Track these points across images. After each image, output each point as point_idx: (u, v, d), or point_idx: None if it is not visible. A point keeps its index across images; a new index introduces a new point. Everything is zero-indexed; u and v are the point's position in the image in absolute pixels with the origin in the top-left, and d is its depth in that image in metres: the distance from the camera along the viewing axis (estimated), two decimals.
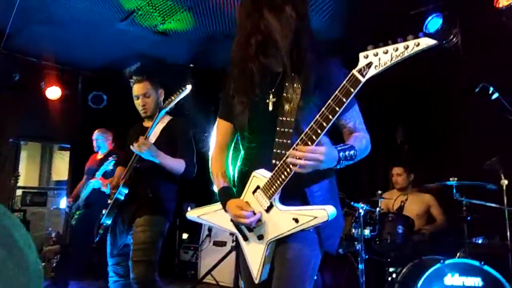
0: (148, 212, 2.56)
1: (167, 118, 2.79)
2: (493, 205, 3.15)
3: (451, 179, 3.35)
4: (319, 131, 1.33)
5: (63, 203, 7.78)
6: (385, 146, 4.69)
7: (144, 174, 2.62)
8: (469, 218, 3.29)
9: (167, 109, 2.57)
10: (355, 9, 3.94)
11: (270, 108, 1.55)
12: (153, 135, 2.69)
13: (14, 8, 3.88)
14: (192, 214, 1.79)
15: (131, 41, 4.87)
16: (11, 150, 5.83)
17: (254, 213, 1.50)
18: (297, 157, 1.33)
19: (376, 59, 1.24)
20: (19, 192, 6.27)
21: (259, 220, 1.50)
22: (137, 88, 2.74)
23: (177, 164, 2.59)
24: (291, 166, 1.37)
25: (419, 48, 1.19)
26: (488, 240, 3.35)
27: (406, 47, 1.20)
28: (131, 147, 2.50)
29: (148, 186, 2.61)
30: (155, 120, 2.60)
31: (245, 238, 1.59)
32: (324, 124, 1.32)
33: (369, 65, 1.25)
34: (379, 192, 3.75)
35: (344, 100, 1.29)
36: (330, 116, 1.31)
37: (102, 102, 5.88)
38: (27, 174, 8.08)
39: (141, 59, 5.36)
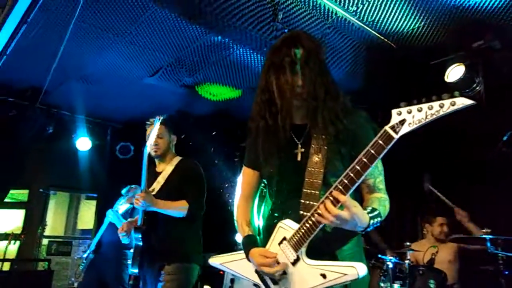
0: (176, 259, 2.52)
1: (176, 159, 2.84)
2: None
3: (483, 230, 3.21)
4: (350, 185, 1.31)
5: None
6: (412, 196, 4.58)
7: (157, 215, 2.60)
8: (506, 272, 3.11)
9: (147, 145, 2.67)
10: (375, 60, 4.03)
11: (299, 158, 1.56)
12: (162, 178, 2.74)
13: (52, 67, 4.16)
14: (215, 261, 1.77)
15: (158, 94, 5.09)
16: (40, 200, 5.98)
17: (278, 263, 1.46)
18: (326, 216, 1.31)
19: (410, 116, 1.23)
20: (45, 241, 6.35)
21: (284, 273, 1.47)
22: (152, 130, 2.80)
23: (177, 208, 2.57)
24: (319, 218, 1.35)
25: (455, 107, 1.17)
26: None
27: (442, 106, 1.18)
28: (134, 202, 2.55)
29: (165, 227, 2.59)
30: (143, 162, 2.64)
31: None
32: (355, 179, 1.30)
33: (402, 122, 1.24)
34: (408, 243, 3.61)
35: (376, 155, 1.27)
36: (362, 171, 1.29)
37: (129, 152, 6.04)
38: (53, 223, 8.20)
39: (168, 111, 5.56)
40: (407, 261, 3.46)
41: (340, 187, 1.32)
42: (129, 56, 4.17)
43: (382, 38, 3.68)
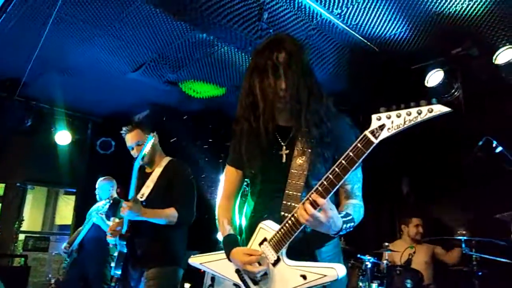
0: (157, 263, 2.44)
1: (166, 160, 2.72)
2: (505, 260, 3.07)
3: (459, 232, 3.30)
4: (330, 188, 1.33)
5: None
6: (390, 198, 4.66)
7: (143, 222, 2.50)
8: (479, 273, 3.20)
9: (138, 159, 2.53)
10: (358, 63, 4.08)
11: (283, 160, 1.58)
12: (151, 181, 2.62)
13: (32, 58, 4.07)
14: (195, 260, 1.76)
15: (141, 90, 5.03)
16: (17, 194, 5.85)
17: (260, 264, 1.47)
18: (303, 215, 1.33)
19: (389, 122, 1.25)
20: (21, 236, 6.21)
21: (265, 274, 1.48)
22: (129, 138, 2.72)
23: (166, 217, 2.46)
24: (300, 219, 1.36)
25: (432, 114, 1.19)
26: None
27: (419, 112, 1.20)
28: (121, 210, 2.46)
29: (149, 233, 2.50)
30: (133, 174, 2.54)
31: None
32: (335, 182, 1.32)
33: (382, 127, 1.26)
34: (386, 244, 3.68)
35: (356, 159, 1.29)
36: (342, 175, 1.31)
37: (110, 148, 5.96)
38: (30, 218, 8.04)
39: (150, 106, 5.51)
40: (385, 261, 3.53)
41: (321, 189, 1.34)
42: (112, 50, 4.11)
43: (365, 41, 3.73)
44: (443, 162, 4.28)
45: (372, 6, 3.24)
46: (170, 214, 2.47)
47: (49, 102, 5.54)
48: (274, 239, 1.46)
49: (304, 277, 1.38)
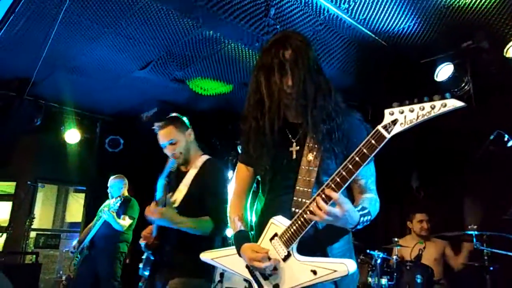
0: (183, 273, 2.23)
1: (201, 160, 2.47)
2: None
3: (469, 227, 3.27)
4: (341, 183, 1.33)
5: None
6: (400, 193, 4.64)
7: (172, 229, 2.30)
8: (491, 268, 3.17)
9: (169, 166, 2.37)
10: (366, 58, 4.05)
11: (294, 156, 1.58)
12: (184, 185, 2.40)
13: (41, 58, 4.10)
14: (206, 256, 1.78)
15: (149, 88, 5.05)
16: (28, 192, 5.92)
17: (269, 259, 1.48)
18: (318, 213, 1.33)
19: (402, 117, 1.25)
20: (33, 234, 6.29)
21: (275, 269, 1.48)
22: (161, 136, 2.47)
23: (200, 227, 2.25)
24: (310, 216, 1.37)
25: (446, 109, 1.18)
26: None
27: (433, 107, 1.20)
28: (146, 211, 2.28)
29: (178, 241, 2.30)
30: (162, 176, 2.36)
31: (260, 286, 1.56)
32: (347, 177, 1.33)
33: (394, 122, 1.26)
34: (395, 239, 3.66)
35: (368, 154, 1.29)
36: (353, 170, 1.32)
37: (119, 146, 6.00)
38: (41, 216, 8.13)
39: (158, 104, 5.53)
40: (394, 257, 3.51)
41: (332, 185, 1.34)
42: (120, 49, 4.12)
43: (374, 36, 3.69)
44: (454, 157, 4.25)
45: (380, 1, 3.21)
46: (205, 226, 2.26)
47: (58, 101, 5.58)
48: (285, 234, 1.47)
49: (314, 272, 1.39)
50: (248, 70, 4.40)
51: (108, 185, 4.72)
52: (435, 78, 3.83)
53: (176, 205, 2.34)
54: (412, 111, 1.23)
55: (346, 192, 1.48)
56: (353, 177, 1.32)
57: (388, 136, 1.26)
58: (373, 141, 1.28)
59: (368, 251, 3.58)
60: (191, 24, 3.64)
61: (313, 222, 1.38)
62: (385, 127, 1.27)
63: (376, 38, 3.72)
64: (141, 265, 2.44)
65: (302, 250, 1.46)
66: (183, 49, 4.09)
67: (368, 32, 3.64)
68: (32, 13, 3.45)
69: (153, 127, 2.51)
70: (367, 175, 1.56)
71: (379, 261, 3.42)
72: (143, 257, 2.44)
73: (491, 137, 2.93)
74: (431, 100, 1.21)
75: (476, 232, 3.17)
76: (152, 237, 2.38)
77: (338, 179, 1.34)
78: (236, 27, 3.59)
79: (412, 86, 4.01)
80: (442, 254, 3.92)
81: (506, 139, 2.87)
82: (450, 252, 3.92)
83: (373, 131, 1.29)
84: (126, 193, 4.74)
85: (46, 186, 7.24)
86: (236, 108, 5.17)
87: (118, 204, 4.32)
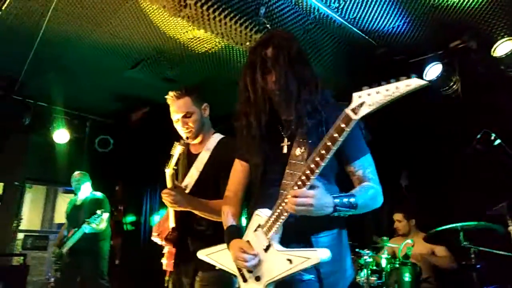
0: (209, 265, 1.88)
1: (214, 140, 2.29)
2: (502, 252, 3.08)
3: (457, 224, 3.30)
4: (315, 169, 1.35)
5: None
6: (389, 192, 4.67)
7: (192, 215, 2.14)
8: (478, 266, 3.21)
9: (168, 170, 2.12)
10: (356, 56, 4.07)
11: (284, 151, 1.62)
12: (196, 169, 2.21)
13: (29, 57, 4.06)
14: (202, 253, 1.80)
15: (139, 87, 5.02)
16: (15, 193, 5.84)
17: (255, 256, 1.51)
18: (290, 200, 1.37)
19: (369, 99, 1.28)
20: (20, 235, 6.21)
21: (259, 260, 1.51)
22: (176, 108, 2.25)
23: (216, 209, 2.02)
24: (284, 206, 1.41)
25: (410, 88, 1.22)
26: None
27: (397, 88, 1.24)
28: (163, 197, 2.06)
29: (197, 230, 2.15)
30: (172, 161, 2.10)
31: (244, 280, 1.58)
32: (320, 162, 1.35)
33: (362, 104, 1.29)
34: (385, 238, 3.69)
35: (338, 137, 1.31)
36: (325, 154, 1.34)
37: (108, 145, 5.95)
38: (29, 217, 8.03)
39: (149, 104, 5.49)
40: (383, 255, 3.54)
41: (307, 171, 1.37)
42: (110, 48, 4.09)
43: (363, 35, 3.72)
44: (443, 155, 4.29)
45: (370, 0, 3.23)
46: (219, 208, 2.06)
47: (46, 101, 5.51)
48: (266, 225, 1.50)
49: (290, 261, 1.40)
50: (239, 69, 4.39)
51: (74, 180, 4.66)
52: (424, 77, 3.86)
53: (187, 191, 2.18)
54: (378, 92, 1.26)
55: (332, 183, 1.53)
56: (326, 161, 1.34)
57: (355, 118, 1.29)
58: (342, 125, 1.31)
59: (357, 249, 3.61)
60: (181, 23, 3.63)
61: (288, 213, 1.41)
62: (353, 110, 1.30)
63: (366, 37, 3.75)
64: (164, 260, 2.29)
65: (287, 241, 1.47)
66: (174, 48, 4.08)
67: (358, 32, 3.67)
68: (20, 11, 3.41)
69: (167, 97, 2.31)
70: (364, 165, 1.57)
71: (368, 259, 3.44)
72: (164, 251, 2.30)
73: (478, 136, 2.97)
74: (397, 81, 1.25)
75: (461, 224, 3.20)
76: (168, 229, 2.23)
77: (312, 165, 1.36)
78: (227, 26, 3.59)
79: None
80: (430, 253, 3.94)
81: (492, 138, 2.91)
82: (440, 251, 3.93)
83: (342, 114, 1.32)
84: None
85: (34, 187, 7.17)
86: (227, 108, 5.16)
87: (98, 220, 4.25)
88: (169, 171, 2.08)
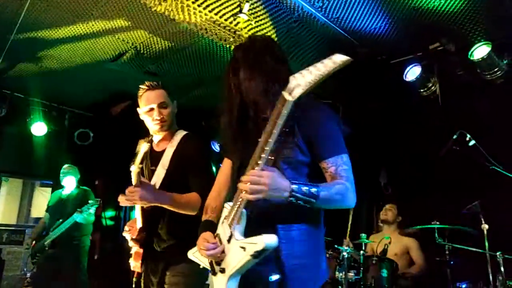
0: (184, 258, 1.80)
1: (178, 136, 2.26)
2: (475, 249, 3.19)
3: (432, 222, 3.40)
4: (263, 155, 1.38)
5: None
6: (368, 189, 4.75)
7: (157, 213, 2.11)
8: (452, 262, 3.31)
9: (133, 167, 2.01)
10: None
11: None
12: (162, 167, 2.18)
13: (6, 47, 3.95)
14: (190, 253, 1.77)
15: (120, 80, 4.95)
16: None
17: (219, 245, 1.52)
18: (244, 180, 1.39)
19: (302, 80, 1.32)
20: None
21: (223, 252, 1.51)
22: (152, 97, 2.22)
23: (187, 203, 2.03)
24: (241, 195, 1.42)
25: (335, 65, 1.28)
26: (472, 284, 3.36)
27: (325, 66, 1.29)
28: (119, 199, 2.02)
29: (165, 228, 2.13)
30: (138, 158, 2.01)
31: (214, 273, 1.57)
32: (266, 148, 1.37)
33: (296, 86, 1.33)
34: (363, 234, 3.76)
35: (278, 121, 1.35)
36: (270, 139, 1.36)
37: (88, 139, 5.86)
38: (5, 211, 7.84)
39: (130, 98, 5.42)
40: (361, 252, 3.61)
41: (257, 159, 1.40)
42: (90, 40, 4.02)
43: (346, 35, 3.76)
44: (420, 154, 4.39)
45: (353, 0, 3.27)
46: (192, 201, 2.03)
47: (24, 92, 5.38)
48: (229, 216, 1.52)
49: (244, 249, 1.41)
50: (222, 65, 4.39)
51: (62, 173, 4.59)
52: (404, 78, 3.94)
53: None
54: (310, 72, 1.31)
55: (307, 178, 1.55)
56: (270, 145, 1.36)
57: (290, 99, 1.33)
58: (281, 108, 1.35)
59: (336, 246, 3.67)
60: (164, 16, 3.59)
61: (244, 199, 1.42)
62: (289, 92, 1.33)
63: (349, 37, 3.79)
64: (131, 261, 2.24)
65: (253, 230, 1.44)
66: (156, 41, 4.03)
67: (341, 31, 3.71)
68: None
69: (140, 88, 2.28)
70: (336, 163, 1.54)
71: (346, 255, 3.50)
72: (132, 252, 2.26)
73: (454, 136, 3.05)
74: (324, 60, 1.31)
75: (436, 226, 3.29)
76: (137, 229, 2.19)
77: (261, 154, 1.38)
78: (210, 21, 3.58)
79: (383, 86, 4.11)
80: (405, 252, 4.04)
81: (467, 138, 3.00)
82: (416, 253, 4.00)
83: (279, 98, 1.36)
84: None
85: (10, 180, 7.00)
86: (209, 104, 5.15)
87: (93, 209, 4.22)
88: (134, 168, 1.99)
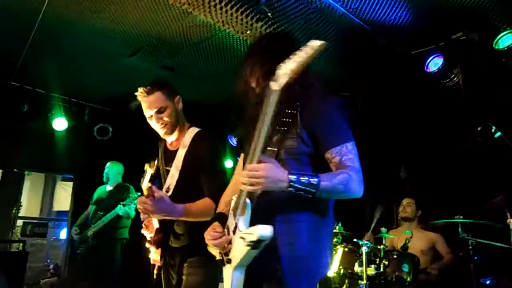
0: (200, 251, 1.82)
1: (189, 134, 2.20)
2: (500, 244, 3.10)
3: (456, 217, 3.32)
4: (263, 147, 1.41)
5: (63, 234, 7.73)
6: (388, 184, 4.68)
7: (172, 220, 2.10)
8: (476, 257, 3.23)
9: (144, 183, 2.02)
10: (357, 47, 4.03)
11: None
12: (175, 168, 2.14)
13: (27, 42, 4.01)
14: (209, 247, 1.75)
15: (138, 75, 4.97)
16: (14, 180, 5.84)
17: (226, 235, 1.54)
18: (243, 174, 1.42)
19: (286, 68, 1.39)
20: (19, 222, 6.23)
21: (230, 243, 1.52)
22: (148, 104, 2.17)
23: (200, 211, 2.00)
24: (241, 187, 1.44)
25: (313, 50, 1.36)
26: (496, 280, 3.28)
27: (305, 52, 1.37)
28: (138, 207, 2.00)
29: (186, 223, 2.11)
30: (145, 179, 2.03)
31: (223, 263, 1.58)
32: (261, 139, 1.40)
33: (282, 75, 1.39)
34: (383, 229, 3.70)
35: (269, 110, 1.40)
36: (263, 131, 1.40)
37: (107, 134, 5.93)
38: (28, 204, 8.05)
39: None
40: (382, 246, 3.55)
41: (253, 151, 1.43)
42: (108, 35, 4.05)
43: (365, 25, 3.68)
44: (442, 148, 4.29)
45: None
46: (205, 208, 1.99)
47: (45, 88, 5.48)
48: (234, 208, 1.52)
49: (243, 239, 1.42)
50: (239, 58, 4.36)
51: (106, 169, 4.71)
52: (426, 69, 3.84)
53: (169, 194, 2.08)
54: (293, 61, 1.38)
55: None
56: (264, 136, 1.40)
57: (277, 88, 1.39)
58: (270, 98, 1.40)
59: (355, 240, 3.62)
60: (181, 10, 3.59)
61: (245, 191, 1.44)
62: (275, 81, 1.40)
63: (367, 27, 3.71)
64: (151, 254, 2.27)
65: (257, 221, 1.43)
66: (173, 35, 4.04)
67: (360, 22, 3.63)
68: None
69: (136, 94, 2.23)
70: (341, 152, 1.50)
71: (366, 250, 3.45)
72: (147, 245, 2.28)
73: (479, 128, 2.96)
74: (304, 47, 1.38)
75: (460, 220, 3.21)
76: (154, 227, 2.18)
77: (256, 145, 1.41)
78: (228, 14, 3.55)
79: (403, 77, 4.02)
80: (431, 247, 3.93)
81: (493, 130, 2.91)
82: (442, 246, 3.91)
83: (269, 89, 1.41)
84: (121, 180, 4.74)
85: (33, 174, 7.18)
86: (226, 98, 5.14)
87: (134, 203, 4.30)
88: (144, 187, 2.02)
